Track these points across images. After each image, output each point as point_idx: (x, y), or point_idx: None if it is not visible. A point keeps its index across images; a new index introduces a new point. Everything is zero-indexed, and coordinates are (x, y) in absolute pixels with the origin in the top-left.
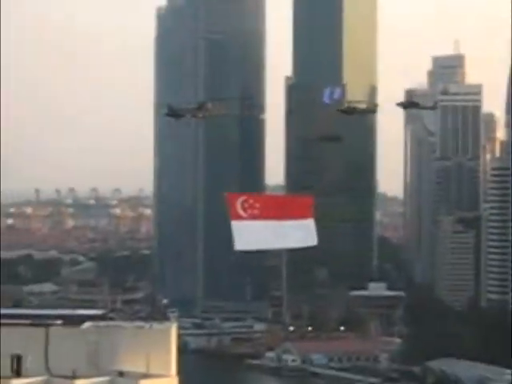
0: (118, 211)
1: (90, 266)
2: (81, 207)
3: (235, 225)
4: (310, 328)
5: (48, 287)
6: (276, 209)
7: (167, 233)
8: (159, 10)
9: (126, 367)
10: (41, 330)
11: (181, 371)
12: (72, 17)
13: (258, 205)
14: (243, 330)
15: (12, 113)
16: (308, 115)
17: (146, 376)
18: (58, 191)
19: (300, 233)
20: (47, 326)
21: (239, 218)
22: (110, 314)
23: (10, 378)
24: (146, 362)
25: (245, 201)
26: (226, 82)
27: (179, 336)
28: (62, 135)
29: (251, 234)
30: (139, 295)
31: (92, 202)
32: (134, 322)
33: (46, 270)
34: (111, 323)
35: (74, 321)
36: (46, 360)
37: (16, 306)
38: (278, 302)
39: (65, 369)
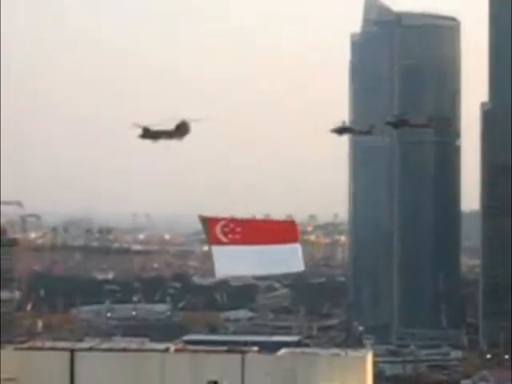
0: (312, 237)
1: (285, 292)
2: None
3: (215, 250)
4: (506, 356)
5: (244, 314)
6: (258, 234)
7: (362, 259)
8: (353, 36)
9: None
10: (237, 357)
11: None
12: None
13: (239, 229)
14: (439, 357)
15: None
16: (504, 141)
17: None
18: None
19: (284, 258)
20: (243, 352)
21: (219, 242)
22: (306, 341)
23: None
24: None
25: (225, 225)
26: (421, 107)
27: (374, 363)
28: (255, 160)
29: (232, 260)
30: (334, 322)
31: None
32: (330, 348)
33: (242, 296)
34: (307, 350)
35: (270, 347)
36: None
37: (213, 332)
38: (474, 329)
39: None
